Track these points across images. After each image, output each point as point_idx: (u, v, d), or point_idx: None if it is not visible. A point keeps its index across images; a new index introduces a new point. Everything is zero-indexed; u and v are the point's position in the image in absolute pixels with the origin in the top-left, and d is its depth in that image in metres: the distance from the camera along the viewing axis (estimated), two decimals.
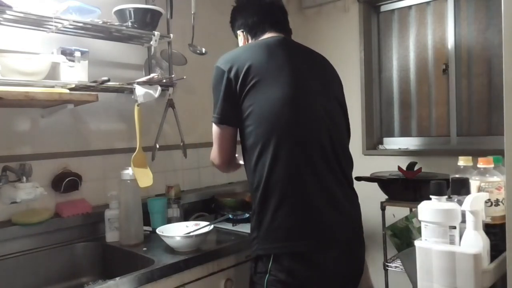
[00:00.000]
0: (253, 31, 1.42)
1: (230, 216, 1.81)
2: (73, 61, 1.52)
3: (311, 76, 1.36)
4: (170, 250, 1.45)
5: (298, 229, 1.23)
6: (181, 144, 1.92)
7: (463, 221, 1.05)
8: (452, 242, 1.05)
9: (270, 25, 1.41)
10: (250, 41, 1.45)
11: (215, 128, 1.34)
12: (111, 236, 1.60)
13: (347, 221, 1.31)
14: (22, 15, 1.37)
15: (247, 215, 1.81)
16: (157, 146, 1.86)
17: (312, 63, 1.42)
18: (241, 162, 1.44)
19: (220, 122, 1.31)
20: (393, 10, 2.37)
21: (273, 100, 1.25)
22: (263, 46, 1.34)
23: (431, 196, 1.09)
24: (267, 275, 1.24)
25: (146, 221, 1.68)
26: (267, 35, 1.40)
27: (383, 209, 1.83)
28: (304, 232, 1.23)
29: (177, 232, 1.52)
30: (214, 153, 1.39)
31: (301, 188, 1.24)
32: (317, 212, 1.24)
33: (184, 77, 1.89)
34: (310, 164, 1.25)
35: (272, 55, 1.31)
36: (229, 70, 1.27)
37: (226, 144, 1.35)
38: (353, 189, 1.38)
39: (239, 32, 1.47)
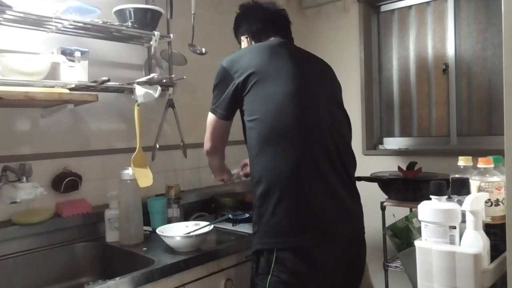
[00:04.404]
0: (257, 37, 1.48)
1: (230, 216, 1.81)
2: (73, 61, 1.52)
3: (312, 75, 1.38)
4: (170, 250, 1.45)
5: (299, 224, 1.23)
6: (181, 144, 1.92)
7: (463, 221, 1.05)
8: (452, 242, 1.05)
9: (274, 31, 1.46)
10: None
11: (213, 119, 1.41)
12: (111, 236, 1.60)
13: (349, 218, 1.32)
14: (22, 15, 1.37)
15: (247, 215, 1.81)
16: (157, 146, 1.86)
17: (313, 63, 1.45)
18: (233, 172, 1.68)
19: (224, 118, 1.38)
20: (393, 10, 2.37)
21: (275, 95, 1.27)
22: (266, 47, 1.39)
23: (431, 196, 1.09)
24: (270, 276, 1.24)
25: (146, 221, 1.68)
26: (270, 40, 1.45)
27: (383, 209, 1.83)
28: (305, 227, 1.23)
29: (177, 232, 1.52)
30: (206, 138, 1.47)
31: (302, 183, 1.24)
32: (318, 207, 1.25)
33: (184, 77, 1.89)
34: (311, 160, 1.26)
35: (275, 55, 1.35)
36: (233, 69, 1.32)
37: (219, 134, 1.44)
38: (356, 187, 1.38)
39: (243, 38, 1.52)
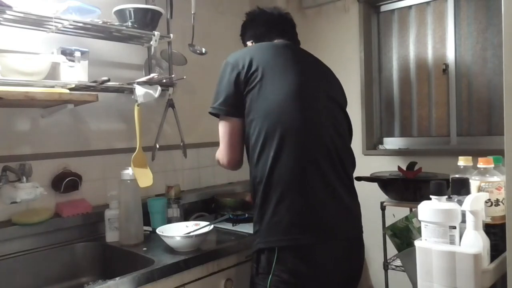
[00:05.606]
0: (261, 40, 1.47)
1: (230, 216, 1.81)
2: (73, 61, 1.52)
3: (314, 76, 1.39)
4: (170, 250, 1.45)
5: (301, 223, 1.23)
6: (181, 144, 1.92)
7: (463, 221, 1.05)
8: (452, 242, 1.05)
9: (277, 34, 1.46)
10: None
11: (222, 123, 1.36)
12: (111, 236, 1.60)
13: (349, 217, 1.33)
14: (22, 15, 1.37)
15: (247, 215, 1.81)
16: (157, 146, 1.86)
17: (316, 65, 1.46)
18: None
19: (236, 115, 1.33)
20: (393, 10, 2.37)
21: (277, 94, 1.27)
22: (270, 46, 1.40)
23: (431, 196, 1.09)
24: (270, 276, 1.24)
25: (146, 221, 1.68)
26: (275, 41, 1.45)
27: (383, 209, 1.83)
28: (306, 225, 1.24)
29: (177, 232, 1.52)
30: (221, 152, 1.38)
31: (304, 182, 1.24)
32: (319, 206, 1.25)
33: (184, 77, 1.89)
34: (312, 160, 1.26)
35: (279, 54, 1.36)
36: (237, 65, 1.31)
37: (234, 138, 1.35)
38: (354, 187, 1.39)
39: (249, 43, 1.52)
